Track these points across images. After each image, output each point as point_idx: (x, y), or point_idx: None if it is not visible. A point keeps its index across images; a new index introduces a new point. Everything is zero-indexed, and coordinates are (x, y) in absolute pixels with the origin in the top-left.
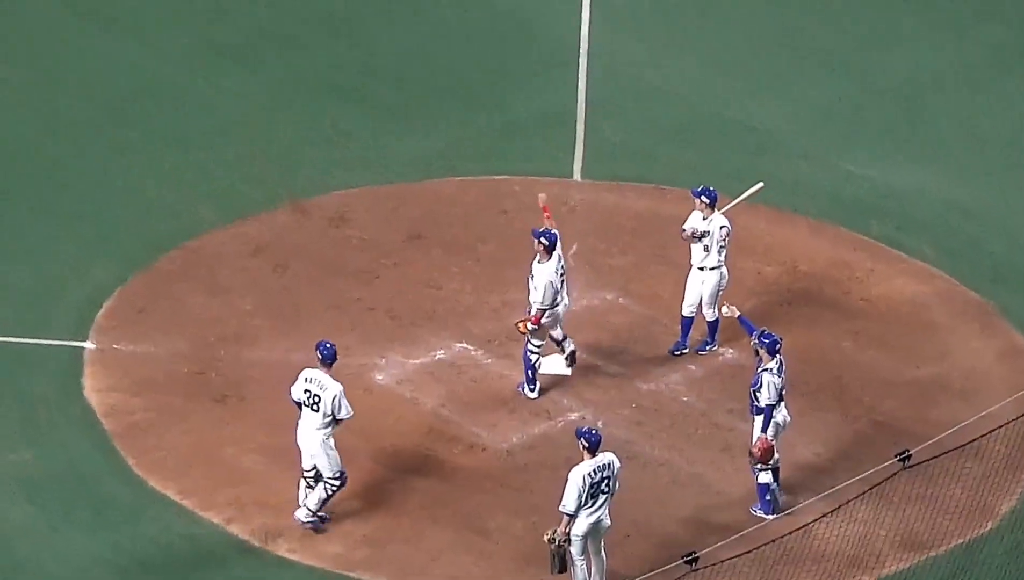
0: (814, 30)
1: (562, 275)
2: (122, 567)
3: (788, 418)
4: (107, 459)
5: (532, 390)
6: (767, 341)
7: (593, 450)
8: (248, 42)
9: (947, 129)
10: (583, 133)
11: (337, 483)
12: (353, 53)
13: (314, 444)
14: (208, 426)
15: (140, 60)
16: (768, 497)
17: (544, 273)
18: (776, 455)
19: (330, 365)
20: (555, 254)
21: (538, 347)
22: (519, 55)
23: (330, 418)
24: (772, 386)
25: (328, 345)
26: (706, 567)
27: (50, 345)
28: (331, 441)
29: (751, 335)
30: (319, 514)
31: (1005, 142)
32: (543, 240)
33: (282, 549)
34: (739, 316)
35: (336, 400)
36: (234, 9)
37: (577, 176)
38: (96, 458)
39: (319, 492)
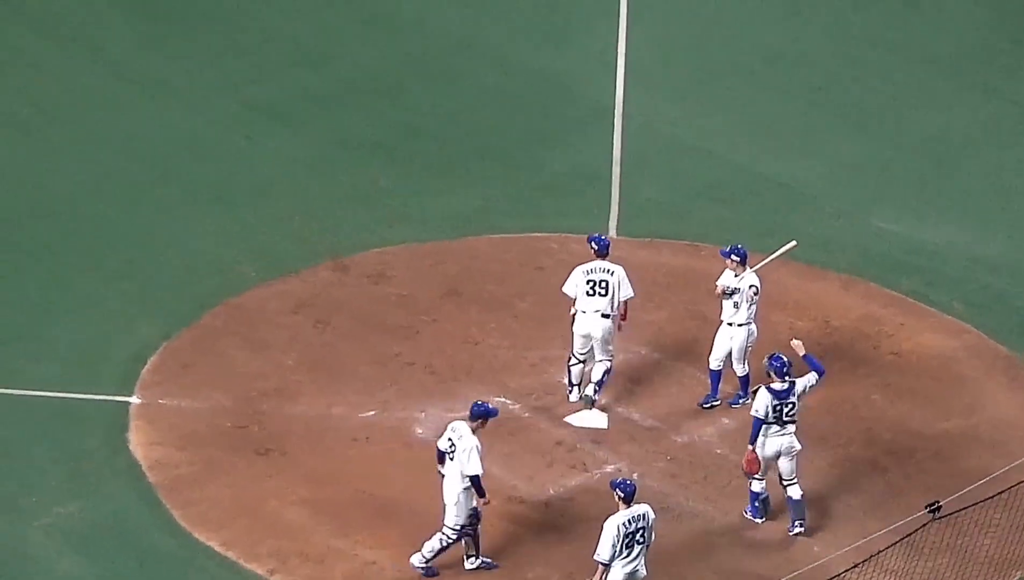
0: (844, 89)
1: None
2: None
3: (797, 446)
4: (152, 511)
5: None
6: (775, 363)
7: (628, 500)
8: (290, 102)
9: (975, 186)
10: (618, 191)
11: (453, 537)
12: (394, 114)
13: (451, 494)
14: (251, 479)
15: (184, 120)
16: (757, 503)
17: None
18: (762, 467)
19: (475, 420)
20: None
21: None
22: (555, 115)
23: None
24: (765, 401)
25: (479, 403)
26: None
27: (97, 400)
28: (467, 495)
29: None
30: (429, 564)
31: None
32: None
33: None
34: (804, 354)
35: (466, 453)
36: (276, 70)
37: (613, 233)
38: (141, 510)
39: (434, 541)
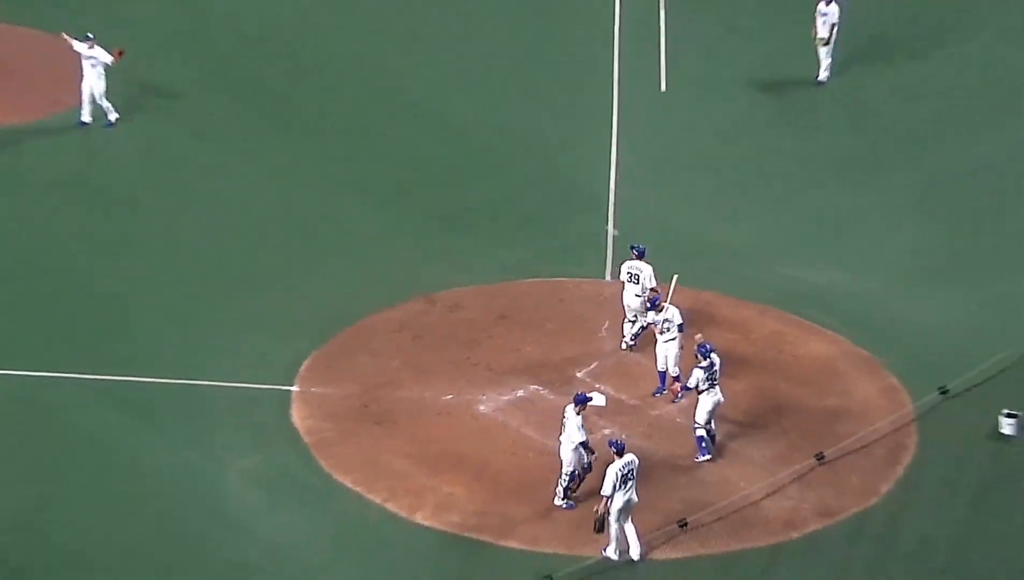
0: (762, 180)
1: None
2: (318, 531)
3: (721, 399)
4: (307, 462)
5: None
6: (701, 349)
7: (620, 453)
8: (388, 191)
9: (849, 245)
10: (611, 250)
11: (567, 480)
12: (460, 196)
13: (566, 452)
14: (371, 440)
15: (312, 202)
16: (704, 445)
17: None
18: (712, 425)
19: (578, 405)
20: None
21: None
22: (568, 199)
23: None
24: (697, 375)
25: (581, 393)
26: (692, 528)
27: (271, 389)
28: (576, 454)
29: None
30: (567, 500)
31: (884, 254)
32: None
33: (420, 519)
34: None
35: (572, 426)
36: (377, 168)
37: (608, 277)
38: (300, 461)
39: (558, 487)
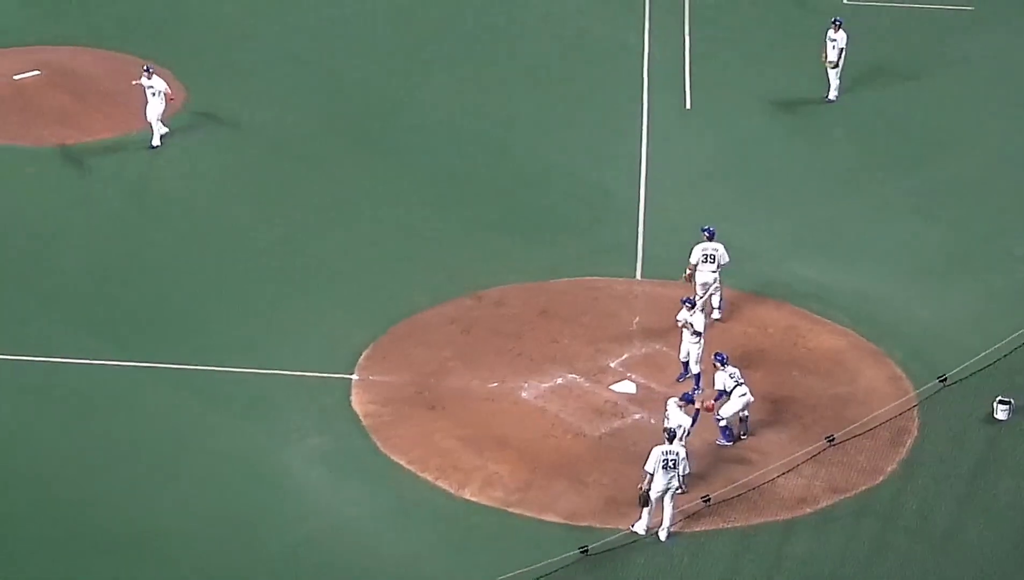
0: (776, 189)
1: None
2: (375, 506)
3: (751, 399)
4: (365, 443)
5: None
6: (719, 357)
7: (670, 440)
8: (445, 203)
9: (853, 247)
10: (641, 251)
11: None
12: (509, 206)
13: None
14: (424, 423)
15: (383, 210)
16: (727, 434)
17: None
18: (743, 412)
19: (685, 402)
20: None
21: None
22: (604, 207)
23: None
24: (722, 378)
25: (687, 394)
26: (714, 504)
27: (333, 377)
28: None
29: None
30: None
31: (887, 255)
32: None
33: (468, 495)
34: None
35: (681, 424)
36: (437, 184)
37: (639, 276)
38: (359, 442)
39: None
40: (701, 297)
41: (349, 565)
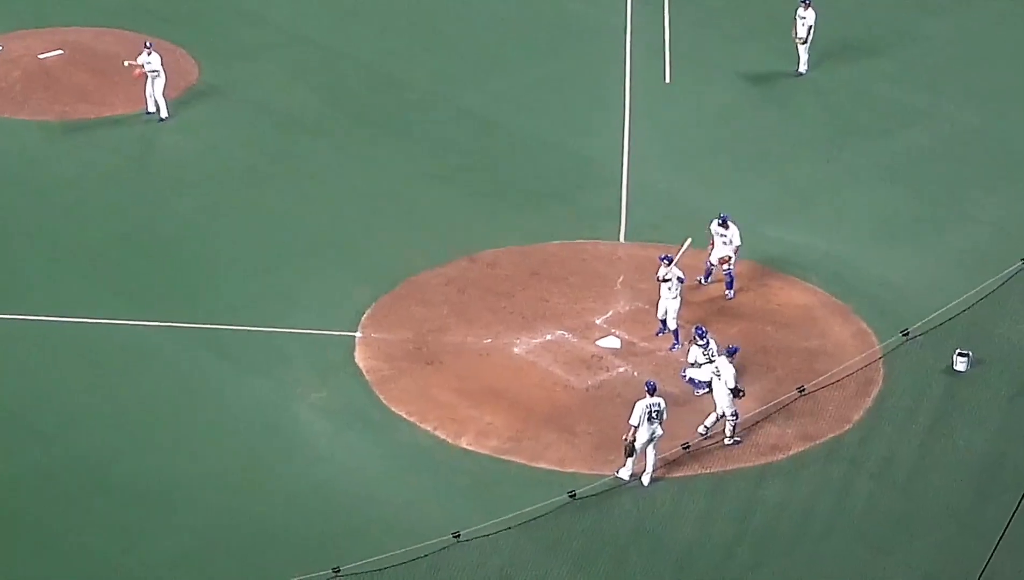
0: (750, 159)
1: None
2: (378, 455)
3: (728, 373)
4: (368, 396)
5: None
6: (698, 331)
7: (651, 393)
8: (448, 171)
9: (823, 213)
10: (625, 216)
11: (733, 418)
12: (502, 177)
13: (722, 396)
14: (423, 378)
15: (386, 182)
16: (697, 382)
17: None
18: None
19: (731, 355)
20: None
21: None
22: (590, 177)
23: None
24: (695, 353)
25: (734, 345)
26: (693, 451)
27: (338, 334)
28: (729, 395)
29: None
30: (735, 438)
31: (854, 218)
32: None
33: (464, 444)
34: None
35: (730, 376)
36: (438, 156)
37: (623, 240)
38: (362, 395)
39: (727, 427)
40: (712, 269)
41: (354, 510)
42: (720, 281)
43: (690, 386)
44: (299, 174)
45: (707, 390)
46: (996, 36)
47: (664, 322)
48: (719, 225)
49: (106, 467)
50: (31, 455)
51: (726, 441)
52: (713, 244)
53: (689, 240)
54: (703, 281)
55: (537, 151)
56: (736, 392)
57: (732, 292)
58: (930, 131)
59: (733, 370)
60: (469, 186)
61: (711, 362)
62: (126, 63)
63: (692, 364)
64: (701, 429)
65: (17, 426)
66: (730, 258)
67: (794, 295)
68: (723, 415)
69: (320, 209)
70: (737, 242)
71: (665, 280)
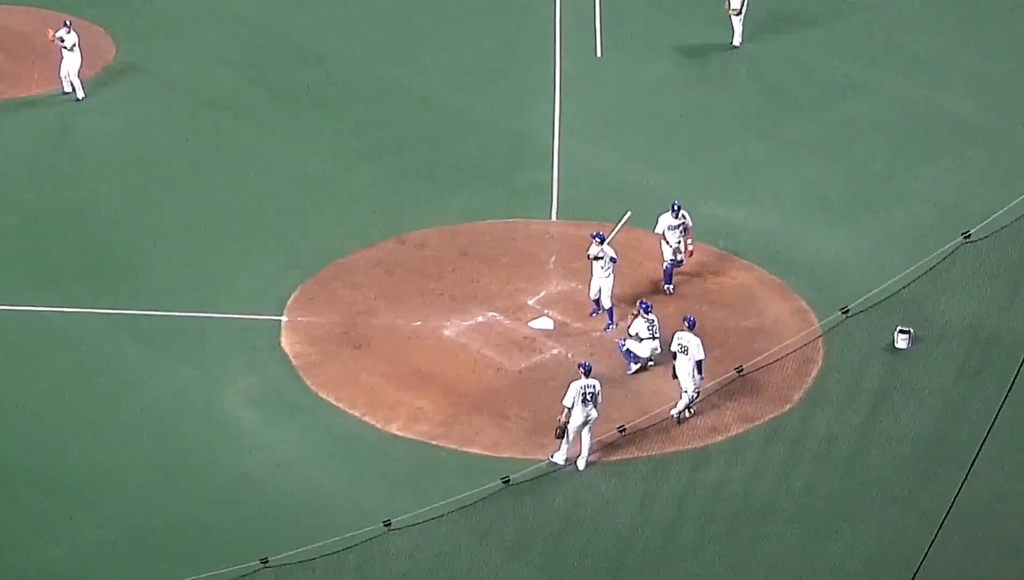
0: (684, 135)
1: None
2: (306, 442)
3: (658, 348)
4: (295, 382)
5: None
6: (643, 305)
7: (587, 374)
8: (372, 150)
9: (758, 187)
10: (557, 194)
11: (695, 394)
12: (429, 156)
13: (685, 373)
14: (351, 362)
15: (305, 159)
16: (632, 357)
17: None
18: (651, 361)
19: (692, 328)
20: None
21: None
22: (520, 154)
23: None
24: (638, 326)
25: (692, 316)
26: (630, 434)
27: (263, 319)
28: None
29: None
30: (686, 414)
31: (791, 194)
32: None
33: (394, 429)
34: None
35: (694, 345)
36: (360, 131)
37: (554, 218)
38: (290, 380)
39: (681, 402)
40: (671, 263)
41: (282, 499)
42: (690, 274)
43: (624, 367)
44: (222, 155)
45: (638, 368)
46: (932, 6)
47: (598, 302)
48: (672, 215)
49: (28, 459)
50: None
51: (674, 413)
52: (666, 241)
53: (628, 214)
54: (669, 288)
55: (467, 128)
56: (699, 366)
57: (672, 286)
58: (867, 103)
59: (699, 341)
60: (397, 165)
61: (654, 338)
62: (49, 31)
63: (633, 336)
64: (674, 412)
65: None
66: (690, 248)
67: (731, 273)
68: (685, 392)
69: (245, 190)
70: (690, 224)
71: (597, 258)
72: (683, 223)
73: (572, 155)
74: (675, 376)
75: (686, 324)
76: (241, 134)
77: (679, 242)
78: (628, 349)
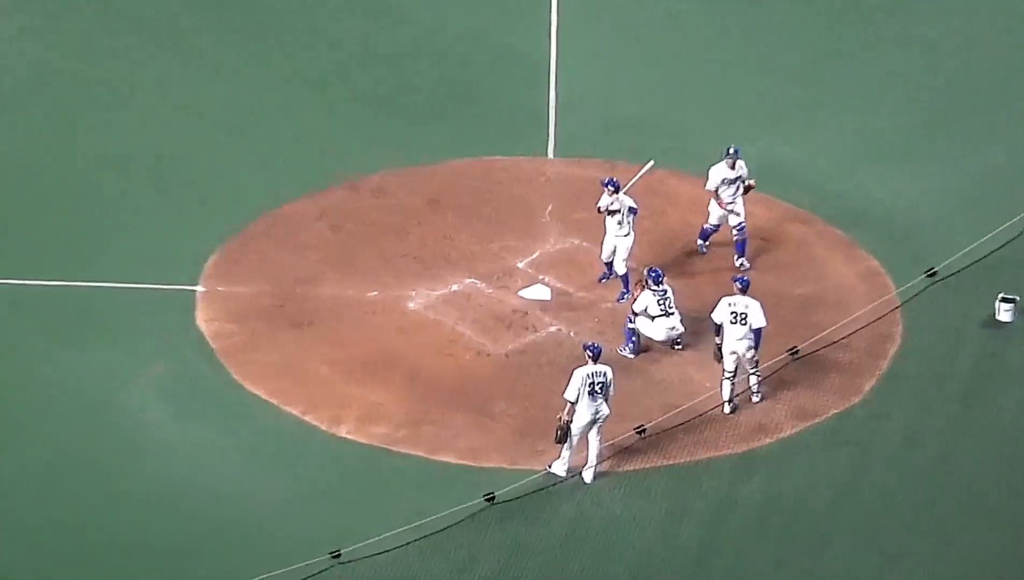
0: (714, 52)
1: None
2: (227, 447)
3: (679, 328)
4: (215, 370)
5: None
6: (652, 273)
7: (595, 359)
8: (316, 73)
9: (818, 120)
10: (554, 125)
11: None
12: (392, 77)
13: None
14: (288, 345)
15: (236, 89)
16: (633, 338)
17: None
18: (678, 344)
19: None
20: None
21: None
22: (508, 74)
23: None
24: (645, 300)
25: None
26: (652, 436)
27: (172, 289)
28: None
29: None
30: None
31: (853, 130)
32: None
33: (343, 432)
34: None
35: (758, 313)
36: (304, 50)
37: (551, 155)
38: (207, 369)
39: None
40: (713, 227)
41: (202, 518)
42: (727, 244)
43: (631, 344)
44: (122, 81)
45: (633, 353)
46: None
47: (610, 265)
48: (727, 164)
49: None
50: None
51: (754, 398)
52: (717, 198)
53: (651, 163)
54: (703, 247)
55: (440, 41)
56: (757, 338)
57: (745, 258)
58: (956, 18)
59: (759, 304)
60: (348, 90)
61: (667, 315)
62: None
63: (640, 313)
64: (727, 406)
65: None
66: (750, 186)
67: (781, 225)
68: (727, 377)
69: (151, 127)
70: (747, 176)
71: (612, 212)
72: (740, 176)
73: (573, 76)
74: (719, 357)
75: (738, 286)
76: (148, 56)
77: (733, 200)
78: (635, 330)
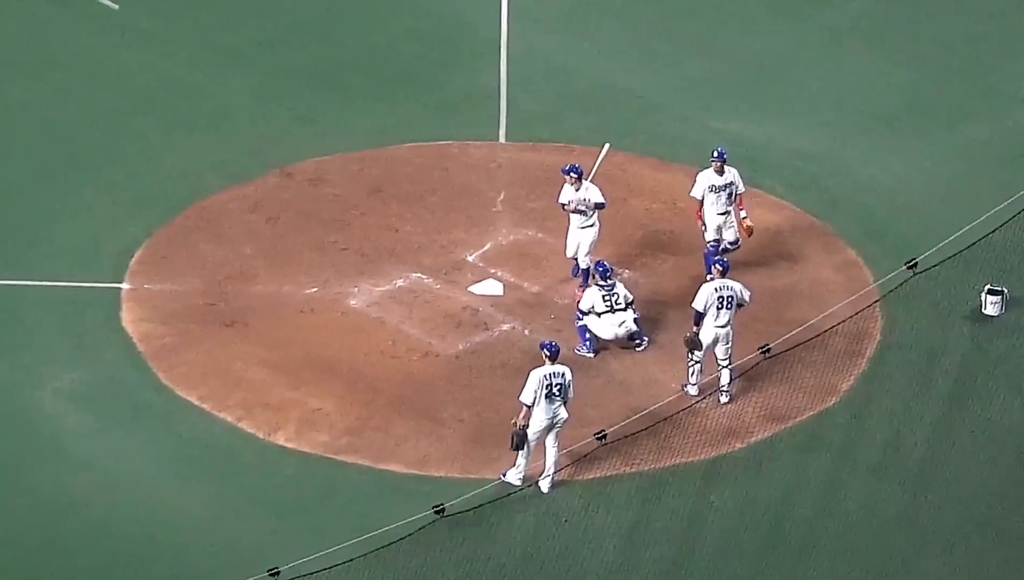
0: (684, 20)
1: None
2: (156, 457)
3: (632, 327)
4: (142, 375)
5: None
6: (600, 268)
7: (553, 359)
8: (242, 45)
9: (789, 93)
10: (506, 106)
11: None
12: (325, 51)
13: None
14: (220, 346)
15: (155, 62)
16: (588, 336)
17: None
18: (638, 342)
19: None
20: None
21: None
22: (454, 49)
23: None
24: (591, 297)
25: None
26: (613, 442)
27: (94, 287)
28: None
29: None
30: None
31: (835, 102)
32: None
33: (281, 440)
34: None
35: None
36: (230, 21)
37: (503, 139)
38: (133, 374)
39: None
40: (714, 245)
41: (130, 533)
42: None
43: (587, 343)
44: (31, 56)
45: (592, 351)
46: None
47: (575, 259)
48: (715, 170)
49: None
50: None
51: (722, 398)
52: (702, 210)
53: (607, 146)
54: (720, 262)
55: (382, 14)
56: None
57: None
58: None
59: (740, 285)
60: (280, 67)
61: (614, 312)
62: None
63: (588, 312)
64: (724, 398)
65: None
66: (748, 223)
67: (752, 213)
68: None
69: (64, 108)
70: (741, 189)
71: (576, 211)
72: (731, 184)
73: (526, 48)
74: (696, 345)
75: (719, 268)
76: (65, 26)
77: (726, 212)
78: (586, 328)
